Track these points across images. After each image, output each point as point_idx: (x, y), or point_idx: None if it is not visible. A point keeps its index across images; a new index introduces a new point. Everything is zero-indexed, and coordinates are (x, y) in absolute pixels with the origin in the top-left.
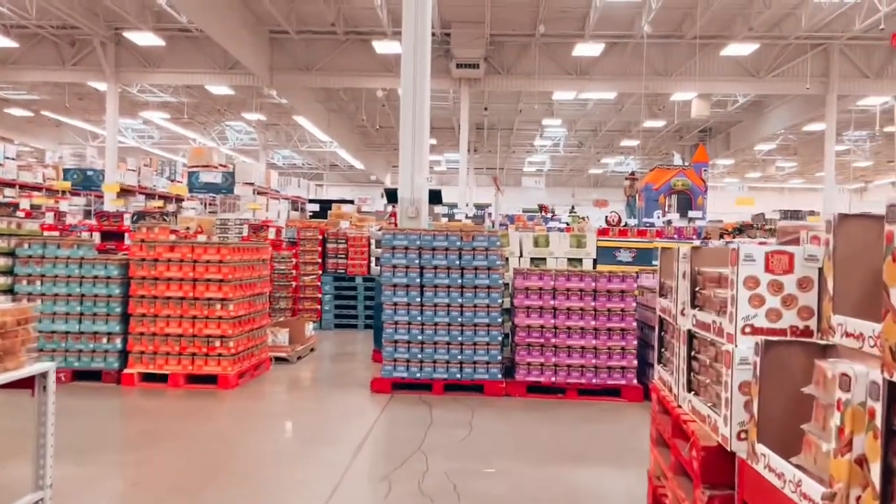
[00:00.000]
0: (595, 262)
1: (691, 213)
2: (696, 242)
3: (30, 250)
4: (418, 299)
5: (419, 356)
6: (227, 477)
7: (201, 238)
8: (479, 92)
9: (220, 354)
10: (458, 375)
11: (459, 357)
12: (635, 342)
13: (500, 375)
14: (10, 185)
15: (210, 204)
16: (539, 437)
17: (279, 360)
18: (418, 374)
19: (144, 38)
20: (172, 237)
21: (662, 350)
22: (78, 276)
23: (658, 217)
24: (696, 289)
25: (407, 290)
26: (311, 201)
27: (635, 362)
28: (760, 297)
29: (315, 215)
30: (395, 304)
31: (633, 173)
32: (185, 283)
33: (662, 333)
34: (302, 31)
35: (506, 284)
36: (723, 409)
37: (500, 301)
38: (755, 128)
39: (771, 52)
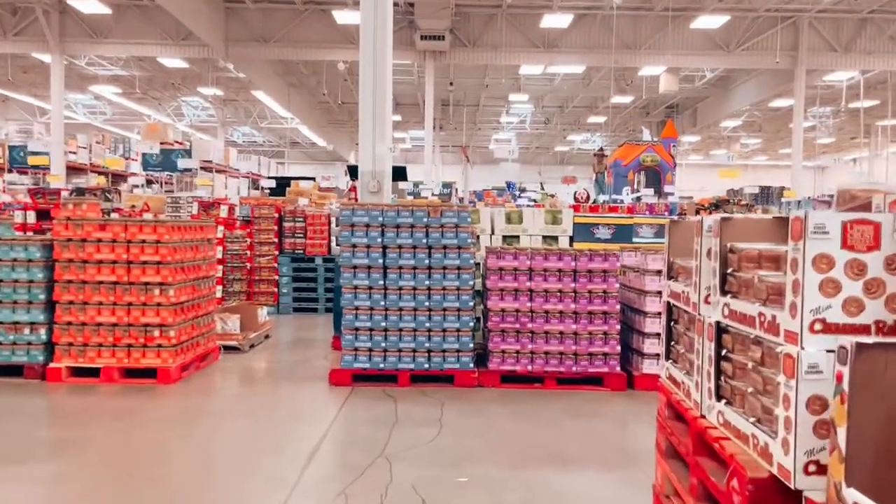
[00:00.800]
0: (571, 239)
1: (667, 188)
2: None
3: None
4: (381, 282)
5: (382, 345)
6: (150, 498)
7: (147, 216)
8: (445, 66)
9: (159, 345)
10: (427, 365)
11: (427, 345)
12: (618, 326)
13: (471, 364)
14: None
15: (167, 183)
16: (517, 435)
17: (230, 349)
18: (382, 365)
19: (90, 6)
20: (108, 215)
21: (672, 343)
22: None
23: (627, 193)
24: (729, 270)
25: (368, 272)
26: (268, 178)
27: (618, 348)
28: (835, 283)
29: (273, 193)
30: (356, 287)
31: (601, 149)
32: (119, 266)
33: (673, 323)
34: (259, 1)
35: (477, 264)
36: (780, 431)
37: (471, 283)
38: (722, 104)
39: (741, 24)
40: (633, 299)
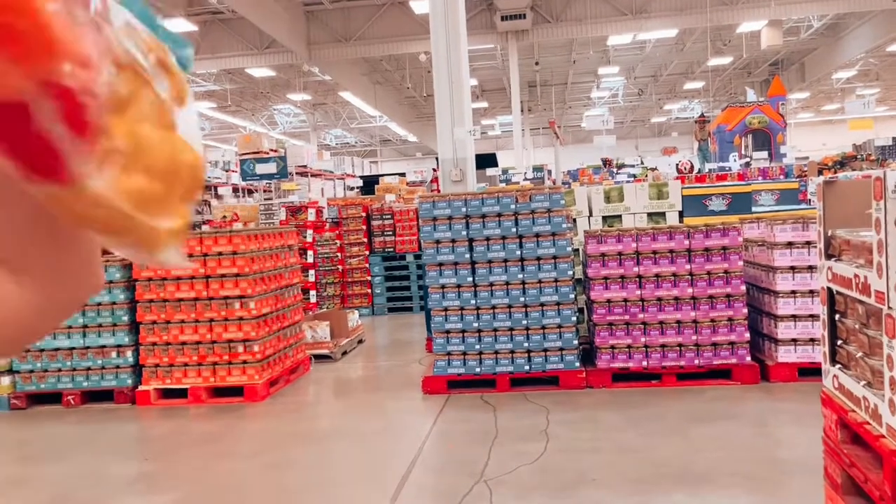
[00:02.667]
0: (681, 214)
1: (781, 150)
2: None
3: None
4: (469, 279)
5: (477, 347)
6: None
7: (237, 226)
8: (528, 46)
9: (244, 361)
10: (527, 367)
11: (526, 345)
12: (745, 310)
13: (577, 363)
14: None
15: (265, 191)
16: (637, 448)
17: (321, 357)
18: (478, 369)
19: (176, 25)
20: (199, 228)
21: (839, 343)
22: None
23: (735, 160)
24: None
25: (455, 269)
26: (358, 177)
27: (747, 335)
28: None
29: (364, 192)
30: (443, 286)
31: (702, 115)
32: (197, 281)
33: (840, 318)
34: (336, 0)
35: (576, 251)
36: None
37: (570, 273)
38: (832, 54)
39: None
40: (759, 278)
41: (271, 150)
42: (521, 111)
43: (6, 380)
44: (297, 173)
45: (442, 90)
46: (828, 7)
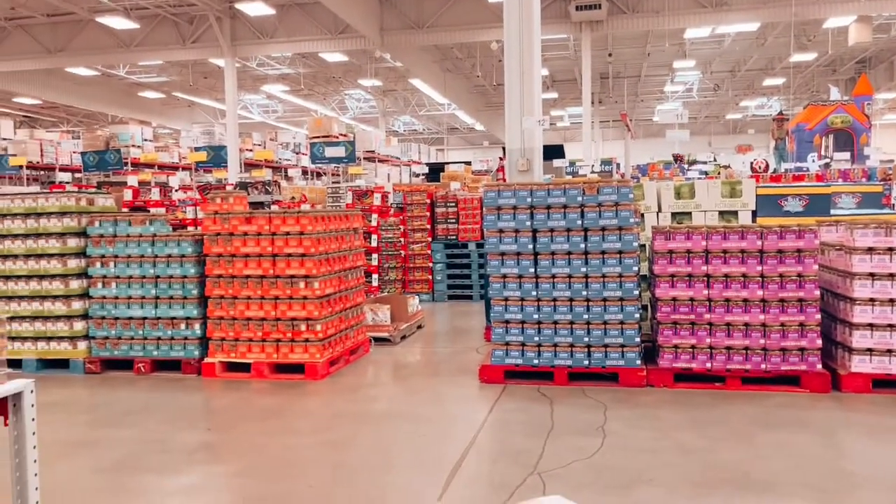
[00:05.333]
0: (754, 214)
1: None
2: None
3: (100, 228)
4: (532, 270)
5: (536, 339)
6: None
7: (305, 207)
8: (602, 37)
9: (306, 340)
10: (586, 362)
11: (586, 339)
12: (818, 316)
13: (638, 361)
14: (149, 165)
15: (333, 174)
16: (697, 450)
17: (380, 340)
18: (536, 361)
19: (256, 9)
20: (268, 208)
21: None
22: (151, 256)
23: (813, 160)
24: None
25: (517, 259)
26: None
27: (819, 341)
28: None
29: (429, 179)
30: (504, 276)
31: (781, 113)
32: (264, 259)
33: None
34: None
35: (642, 246)
36: None
37: (635, 269)
38: None
39: None
40: (835, 283)
41: (341, 134)
42: (592, 103)
43: (82, 345)
44: (364, 158)
45: (512, 79)
46: None
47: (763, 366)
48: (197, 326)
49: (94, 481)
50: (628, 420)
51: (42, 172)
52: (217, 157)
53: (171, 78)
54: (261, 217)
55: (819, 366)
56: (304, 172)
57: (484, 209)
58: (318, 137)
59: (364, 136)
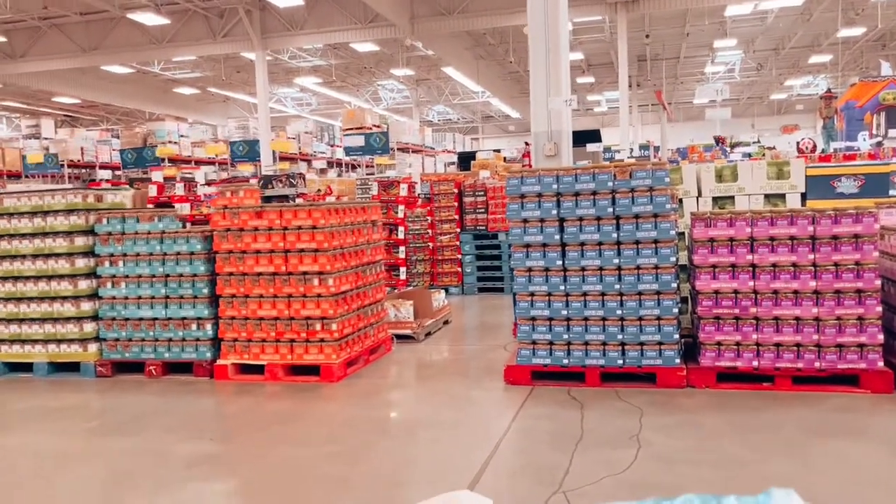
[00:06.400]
0: (804, 197)
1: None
2: None
3: (108, 226)
4: (559, 262)
5: (565, 336)
6: None
7: (330, 200)
8: (639, 17)
9: (321, 340)
10: (620, 361)
11: (620, 336)
12: (878, 308)
13: (677, 360)
14: (186, 160)
15: (368, 165)
16: (744, 462)
17: (403, 338)
18: (565, 361)
19: (285, 0)
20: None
21: None
22: (160, 254)
23: (864, 139)
24: None
25: (544, 251)
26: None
27: (880, 337)
28: None
29: (461, 169)
30: (530, 269)
31: (829, 90)
32: (276, 256)
33: None
34: None
35: (680, 234)
36: None
37: (673, 259)
38: None
39: None
40: None
41: (374, 125)
42: (629, 87)
43: (93, 347)
44: (398, 149)
45: (538, 54)
46: None
47: (817, 364)
48: (208, 327)
49: (80, 499)
50: (666, 427)
51: (84, 170)
52: (252, 151)
53: (206, 73)
54: (272, 211)
55: (881, 363)
56: (339, 164)
57: (507, 197)
58: (351, 129)
59: (397, 127)
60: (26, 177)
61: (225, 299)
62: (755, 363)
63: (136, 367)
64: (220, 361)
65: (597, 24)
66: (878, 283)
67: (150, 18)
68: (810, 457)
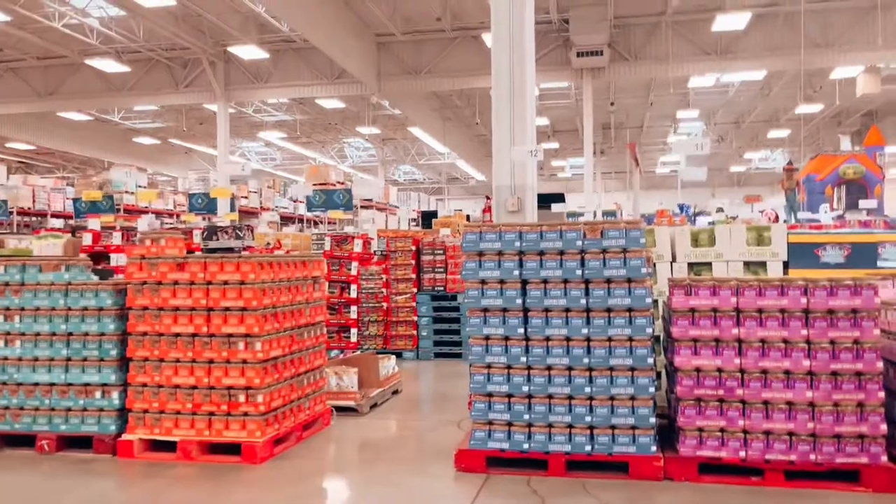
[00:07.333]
0: (786, 265)
1: (867, 203)
2: None
3: (6, 275)
4: (520, 330)
5: (526, 417)
6: None
7: (279, 254)
8: (604, 85)
9: (245, 413)
10: (588, 448)
11: (588, 419)
12: (881, 394)
13: (653, 447)
14: (143, 211)
15: (330, 222)
16: None
17: (346, 410)
18: (525, 446)
19: (249, 52)
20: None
21: None
22: (64, 308)
23: (825, 211)
24: None
25: (504, 317)
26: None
27: (883, 427)
28: None
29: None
30: (487, 337)
31: (790, 163)
32: (198, 314)
33: None
34: (408, 32)
35: (654, 302)
36: None
37: (649, 330)
38: None
39: None
40: None
41: (338, 182)
42: (594, 153)
43: None
44: (361, 206)
45: (500, 101)
46: None
47: (812, 456)
48: (115, 395)
49: None
50: None
51: (34, 218)
52: (211, 203)
53: (167, 124)
54: (194, 263)
55: (884, 458)
56: (300, 220)
57: (464, 255)
58: (315, 185)
59: (362, 185)
60: None
61: (136, 363)
62: (742, 454)
63: (27, 440)
64: (125, 436)
65: (563, 91)
66: (881, 365)
67: (109, 65)
68: None
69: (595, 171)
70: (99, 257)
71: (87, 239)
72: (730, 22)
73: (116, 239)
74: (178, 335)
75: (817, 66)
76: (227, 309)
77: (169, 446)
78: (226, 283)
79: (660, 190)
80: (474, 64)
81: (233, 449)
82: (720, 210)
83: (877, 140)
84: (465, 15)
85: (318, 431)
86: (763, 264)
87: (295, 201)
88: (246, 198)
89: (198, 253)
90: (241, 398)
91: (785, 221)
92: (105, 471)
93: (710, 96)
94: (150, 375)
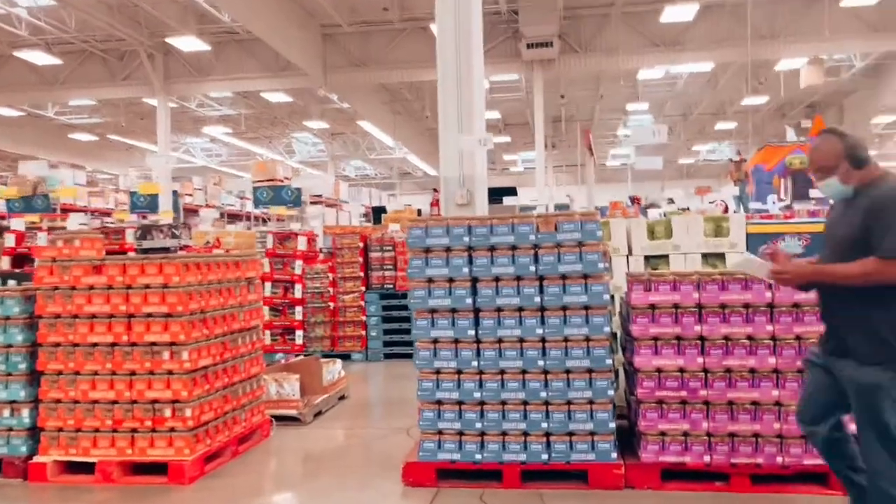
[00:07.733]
0: None
1: (813, 192)
2: None
3: None
4: (471, 332)
5: (478, 425)
6: None
7: (217, 253)
8: (555, 77)
9: (171, 429)
10: (544, 456)
11: (544, 425)
12: None
13: (614, 454)
14: (82, 210)
15: (278, 219)
16: None
17: (287, 419)
18: (478, 456)
19: (189, 44)
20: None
21: None
22: None
23: (773, 202)
24: None
25: (453, 318)
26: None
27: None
28: None
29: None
30: (435, 340)
31: (739, 153)
32: (117, 322)
33: None
34: (354, 23)
35: (612, 298)
36: None
37: (607, 329)
38: (874, 97)
39: None
40: None
41: (286, 178)
42: (545, 146)
43: None
44: (311, 202)
45: (447, 86)
46: (872, 45)
47: (779, 459)
48: (25, 413)
49: None
50: None
51: None
52: (153, 201)
53: (105, 119)
54: (112, 266)
55: None
56: (248, 218)
57: (409, 252)
58: (261, 182)
59: (311, 181)
60: None
61: (49, 377)
62: (707, 458)
63: None
64: (38, 458)
65: (513, 84)
66: None
67: (40, 57)
68: None
69: (547, 165)
70: (23, 260)
71: (9, 240)
72: (678, 13)
73: (42, 240)
74: (95, 345)
75: (763, 57)
76: (149, 315)
77: (87, 468)
78: (147, 286)
79: (610, 183)
80: (423, 56)
81: (159, 469)
82: (671, 201)
83: (821, 130)
84: (413, 6)
85: (256, 444)
86: (721, 256)
87: (242, 198)
88: (191, 195)
89: (117, 255)
90: (167, 412)
91: (735, 212)
92: (15, 496)
93: (658, 89)
94: (65, 390)
